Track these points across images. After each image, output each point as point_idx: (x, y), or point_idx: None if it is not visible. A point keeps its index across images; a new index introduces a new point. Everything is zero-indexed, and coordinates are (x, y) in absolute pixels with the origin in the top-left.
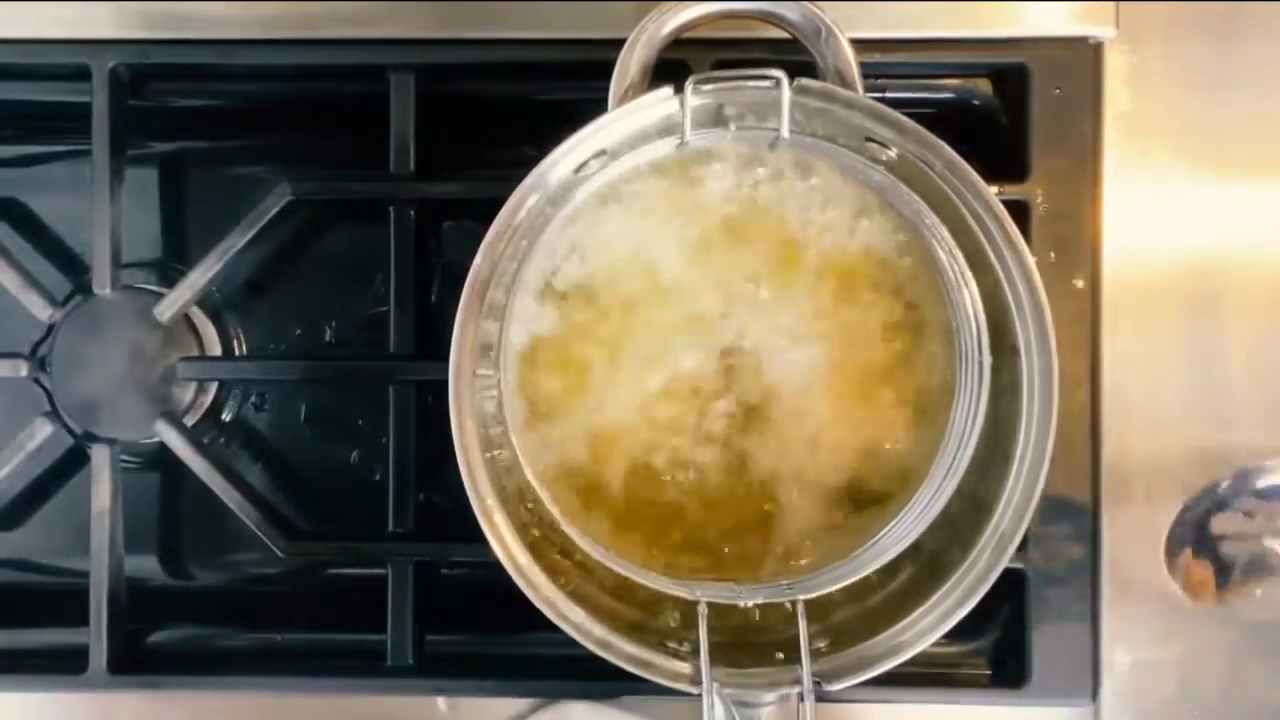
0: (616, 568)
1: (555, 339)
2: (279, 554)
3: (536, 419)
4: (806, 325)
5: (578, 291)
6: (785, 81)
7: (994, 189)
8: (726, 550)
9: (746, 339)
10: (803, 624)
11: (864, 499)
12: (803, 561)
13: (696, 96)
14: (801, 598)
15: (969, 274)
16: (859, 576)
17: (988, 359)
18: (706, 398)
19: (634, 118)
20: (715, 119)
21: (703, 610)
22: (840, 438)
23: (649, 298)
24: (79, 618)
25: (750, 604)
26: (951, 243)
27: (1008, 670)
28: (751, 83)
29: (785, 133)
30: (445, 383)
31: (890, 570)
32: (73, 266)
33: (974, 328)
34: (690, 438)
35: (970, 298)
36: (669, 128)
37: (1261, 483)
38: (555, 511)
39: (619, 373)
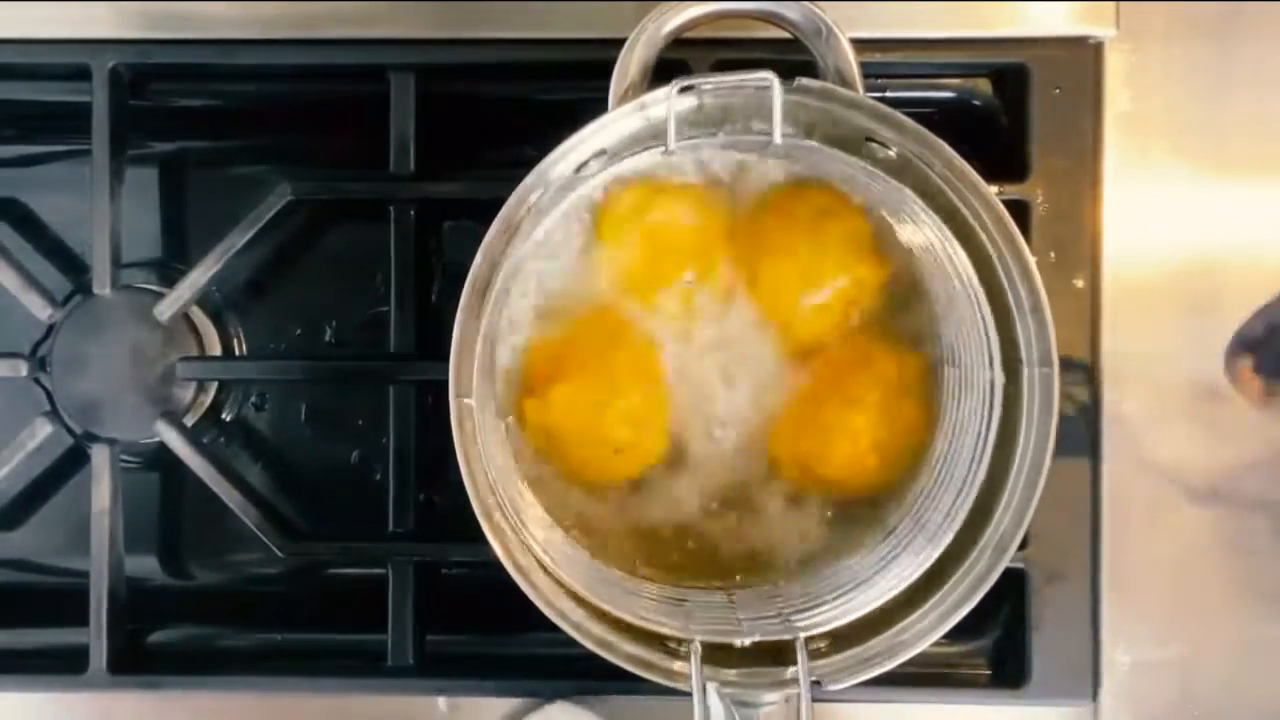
0: (608, 608)
1: (533, 355)
2: (279, 554)
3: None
4: (788, 348)
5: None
6: (777, 83)
7: (994, 189)
8: (717, 562)
9: (726, 359)
10: (801, 658)
11: (854, 514)
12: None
13: (684, 98)
14: (802, 635)
15: (980, 289)
16: (869, 609)
17: (999, 378)
18: (687, 422)
19: (634, 117)
20: (708, 123)
21: (696, 648)
22: (822, 456)
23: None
24: (79, 618)
25: (747, 642)
26: (964, 257)
27: (1008, 670)
28: (741, 85)
29: (778, 138)
30: (445, 383)
31: None
32: (73, 266)
33: (984, 343)
34: (673, 462)
35: (982, 314)
36: (656, 134)
37: None
38: (544, 558)
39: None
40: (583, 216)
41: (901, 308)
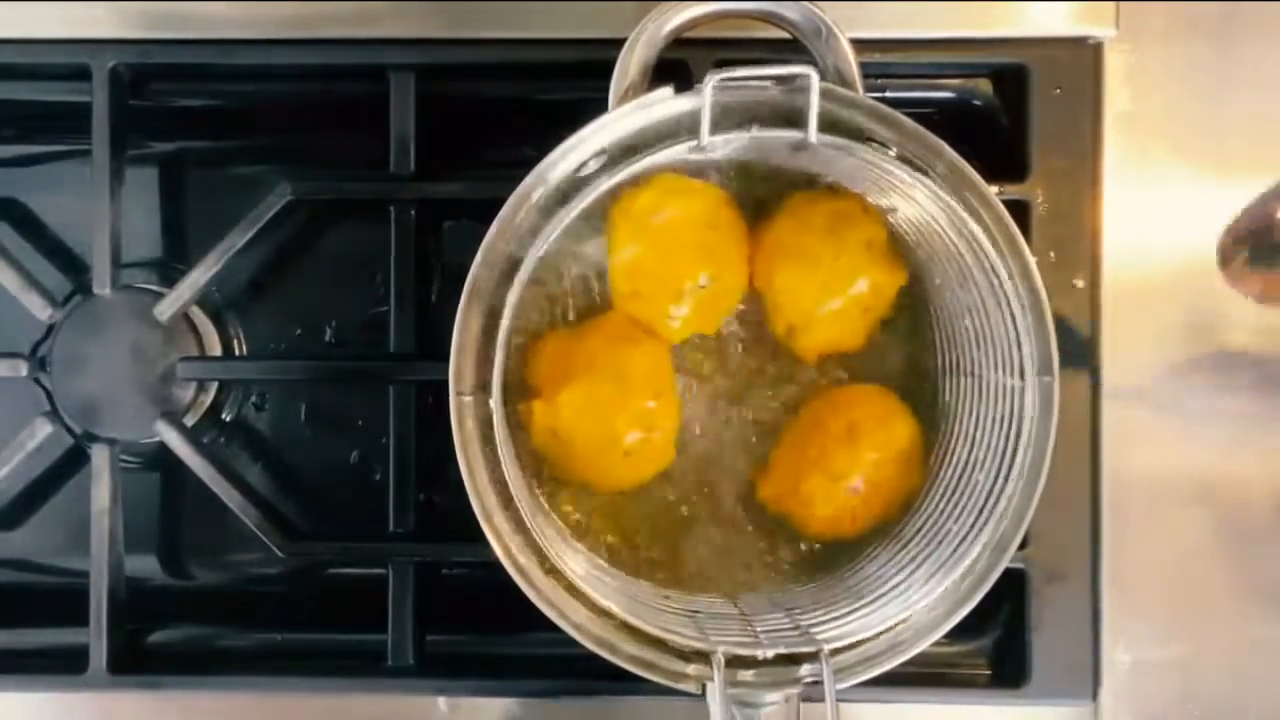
0: (635, 622)
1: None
2: (279, 554)
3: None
4: (801, 355)
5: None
6: (815, 78)
7: (994, 189)
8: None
9: (736, 365)
10: (826, 670)
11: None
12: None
13: (689, 97)
14: (826, 648)
15: (1014, 294)
16: (892, 622)
17: (1031, 385)
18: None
19: (633, 117)
20: (732, 121)
21: (719, 661)
22: (804, 519)
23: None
24: (79, 618)
25: (770, 654)
26: (997, 261)
27: (1008, 670)
28: (775, 78)
29: (813, 137)
30: (445, 383)
31: None
32: (73, 266)
33: (1008, 350)
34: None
35: (1014, 319)
36: (687, 129)
37: None
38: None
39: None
40: (593, 214)
41: (912, 317)
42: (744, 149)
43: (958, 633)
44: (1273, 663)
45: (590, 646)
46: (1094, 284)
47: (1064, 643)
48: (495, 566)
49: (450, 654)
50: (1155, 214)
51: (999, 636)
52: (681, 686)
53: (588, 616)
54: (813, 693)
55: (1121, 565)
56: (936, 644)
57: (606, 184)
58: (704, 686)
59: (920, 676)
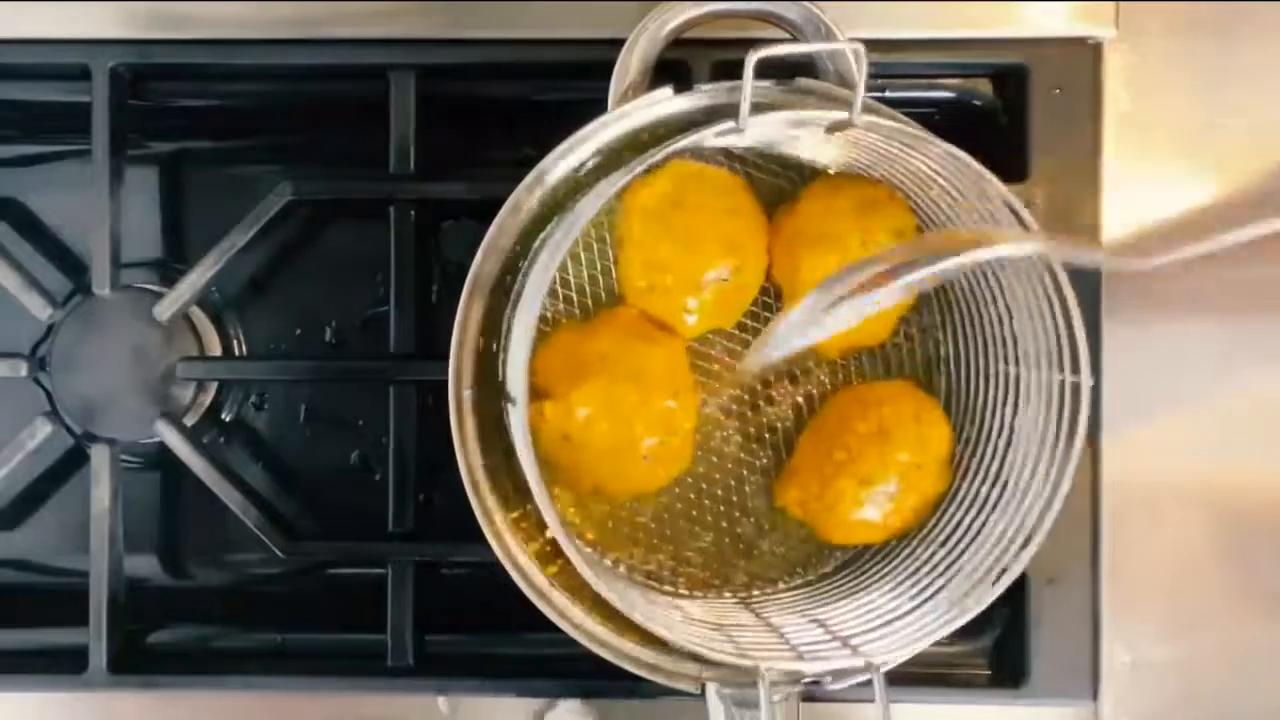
0: (658, 632)
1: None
2: (279, 554)
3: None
4: (826, 352)
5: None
6: (864, 53)
7: None
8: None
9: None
10: (879, 684)
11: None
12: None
13: (690, 96)
14: (877, 660)
15: (1066, 283)
16: (946, 630)
17: (1087, 381)
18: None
19: (634, 117)
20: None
21: (763, 674)
22: (827, 527)
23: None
24: (79, 618)
25: (817, 669)
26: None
27: (1007, 670)
28: (822, 54)
29: (858, 117)
30: (445, 383)
31: None
32: (73, 266)
33: (1053, 346)
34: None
35: (1063, 311)
36: (720, 114)
37: None
38: (584, 568)
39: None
40: (608, 204)
41: (928, 310)
42: (768, 136)
43: (958, 633)
44: (1273, 663)
45: (591, 647)
46: (1093, 284)
47: (1064, 643)
48: (495, 566)
49: (450, 654)
50: (1155, 214)
51: (999, 636)
52: (682, 686)
53: (587, 616)
54: (815, 692)
55: (1121, 565)
56: (936, 644)
57: (638, 169)
58: (703, 686)
59: (920, 676)
